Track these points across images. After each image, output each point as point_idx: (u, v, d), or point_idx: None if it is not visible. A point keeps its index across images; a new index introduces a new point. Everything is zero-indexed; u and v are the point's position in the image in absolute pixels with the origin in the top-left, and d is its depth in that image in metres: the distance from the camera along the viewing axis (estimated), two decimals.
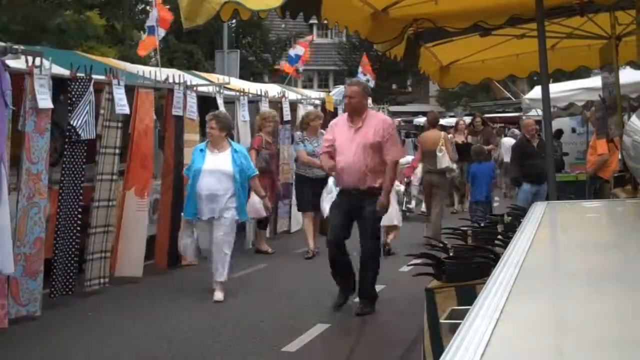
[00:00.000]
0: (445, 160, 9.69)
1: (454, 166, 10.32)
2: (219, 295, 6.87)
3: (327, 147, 6.54)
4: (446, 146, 9.77)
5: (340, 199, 6.58)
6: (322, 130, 9.29)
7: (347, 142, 6.34)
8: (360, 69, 15.15)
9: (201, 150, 6.99)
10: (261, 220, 9.40)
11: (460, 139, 13.72)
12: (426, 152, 9.96)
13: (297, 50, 14.59)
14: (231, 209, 6.85)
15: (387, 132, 6.35)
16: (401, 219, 9.59)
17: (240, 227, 8.42)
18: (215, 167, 6.80)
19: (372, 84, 15.00)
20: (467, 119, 16.86)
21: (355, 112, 6.41)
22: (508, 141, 15.57)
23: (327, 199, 8.31)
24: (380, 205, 6.32)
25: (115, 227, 7.48)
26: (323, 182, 8.76)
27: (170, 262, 8.26)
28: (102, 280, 7.18)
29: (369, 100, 7.67)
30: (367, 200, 6.30)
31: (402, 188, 10.82)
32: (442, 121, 22.42)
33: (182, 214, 7.21)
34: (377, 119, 6.51)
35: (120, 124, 7.29)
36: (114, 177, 7.28)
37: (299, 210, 9.88)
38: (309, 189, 9.24)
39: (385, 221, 9.34)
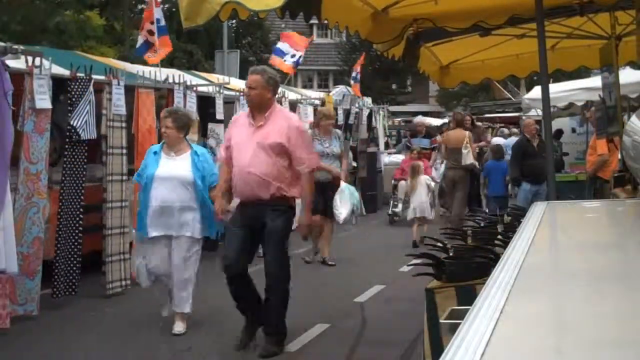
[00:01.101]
0: (469, 157, 10.37)
1: (476, 163, 11.04)
2: (179, 326, 5.79)
3: (225, 148, 5.46)
4: (470, 145, 10.50)
5: (238, 215, 5.37)
6: (337, 131, 9.29)
7: (245, 143, 5.23)
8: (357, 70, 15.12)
9: (155, 152, 5.89)
10: None
11: None
12: (451, 150, 10.60)
13: (282, 46, 14.16)
14: (192, 224, 5.72)
15: (294, 135, 5.22)
16: (432, 212, 10.54)
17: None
18: (169, 173, 5.68)
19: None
20: None
21: (256, 107, 5.27)
22: (496, 141, 15.64)
23: (342, 204, 8.19)
24: (301, 229, 5.43)
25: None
26: (332, 185, 8.46)
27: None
28: (123, 283, 7.18)
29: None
30: (270, 214, 5.19)
31: (432, 183, 10.94)
32: (433, 121, 22.48)
33: (134, 230, 6.35)
34: (284, 119, 5.32)
35: (124, 124, 7.29)
36: (124, 177, 7.28)
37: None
38: (316, 193, 8.98)
39: (417, 213, 10.34)
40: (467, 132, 10.78)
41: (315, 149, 8.47)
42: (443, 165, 11.26)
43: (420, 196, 10.46)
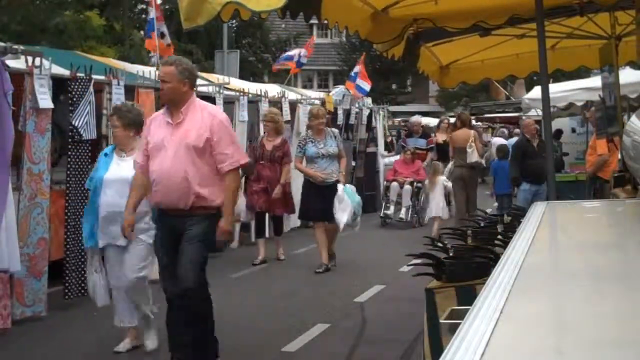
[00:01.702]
0: (474, 155, 10.71)
1: (482, 161, 11.57)
2: (125, 344, 5.32)
3: (141, 154, 4.80)
4: (476, 143, 10.85)
5: (160, 229, 4.80)
6: (333, 129, 8.90)
7: (163, 143, 4.63)
8: (357, 68, 15.10)
9: (106, 154, 5.38)
10: (277, 226, 9.15)
11: (442, 138, 13.17)
12: (457, 149, 10.98)
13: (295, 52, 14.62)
14: (144, 230, 5.10)
15: (217, 129, 4.62)
16: (447, 212, 10.81)
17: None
18: (118, 175, 5.12)
19: (367, 87, 14.60)
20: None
21: (172, 103, 4.71)
22: (497, 141, 15.68)
23: (341, 208, 8.00)
24: (221, 232, 4.70)
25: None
26: (332, 188, 8.17)
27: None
28: None
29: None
30: (190, 221, 4.62)
31: (449, 184, 10.98)
32: (433, 121, 22.39)
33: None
34: (205, 112, 4.71)
35: None
36: None
37: (301, 218, 9.30)
38: (316, 197, 8.29)
39: (433, 212, 10.73)
40: (472, 132, 11.14)
41: (308, 152, 8.32)
42: (450, 164, 11.51)
43: (438, 196, 10.92)
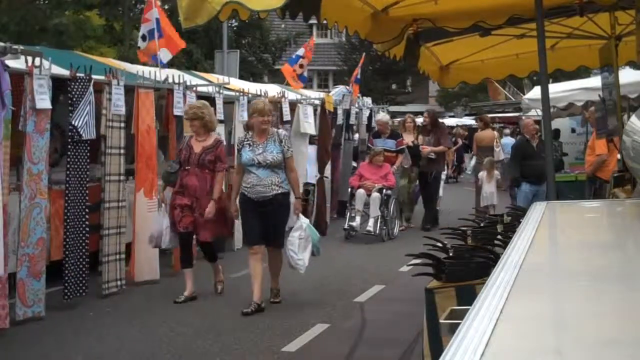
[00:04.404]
0: (501, 154, 12.46)
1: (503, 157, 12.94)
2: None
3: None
4: (497, 142, 12.72)
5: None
6: (280, 131, 6.89)
7: None
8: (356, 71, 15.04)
9: None
10: (206, 253, 7.17)
11: (409, 139, 11.79)
12: (484, 148, 12.43)
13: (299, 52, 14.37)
14: None
15: None
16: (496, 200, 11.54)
17: None
18: None
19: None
20: (456, 120, 17.11)
21: None
22: (507, 140, 15.84)
23: (301, 247, 6.52)
24: None
25: (131, 230, 7.53)
26: (275, 203, 6.47)
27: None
28: (119, 283, 7.18)
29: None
30: None
31: (500, 177, 12.10)
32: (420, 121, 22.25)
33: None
34: None
35: (122, 124, 7.29)
36: (122, 177, 7.29)
37: (244, 243, 7.50)
38: (253, 214, 6.54)
39: (487, 201, 11.50)
40: (495, 132, 13.05)
41: (242, 158, 6.55)
42: (474, 160, 13.02)
43: (493, 187, 11.74)
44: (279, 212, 6.54)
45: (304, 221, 6.64)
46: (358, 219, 10.56)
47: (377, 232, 10.47)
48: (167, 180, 7.11)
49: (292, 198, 6.69)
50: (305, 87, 13.47)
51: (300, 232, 6.53)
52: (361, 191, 10.58)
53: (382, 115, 12.66)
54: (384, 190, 10.60)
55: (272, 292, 6.86)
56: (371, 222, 10.47)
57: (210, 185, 6.86)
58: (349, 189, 11.03)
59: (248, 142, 6.59)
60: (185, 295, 6.92)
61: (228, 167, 7.35)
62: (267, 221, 6.50)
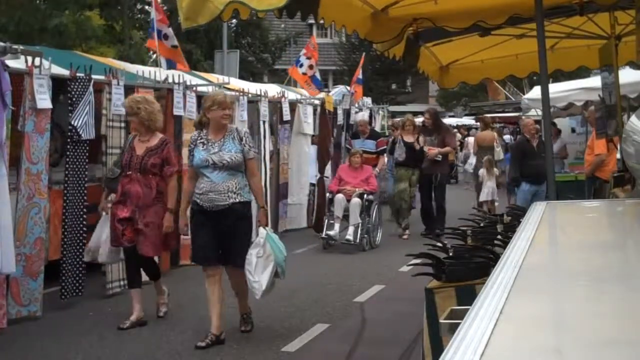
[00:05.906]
0: (501, 153, 13.39)
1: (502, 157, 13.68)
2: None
3: None
4: (497, 142, 13.30)
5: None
6: (240, 129, 5.88)
7: None
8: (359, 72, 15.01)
9: None
10: (147, 270, 6.26)
11: (408, 140, 10.84)
12: (484, 148, 13.00)
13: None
14: None
15: None
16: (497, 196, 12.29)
17: None
18: None
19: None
20: (456, 120, 17.35)
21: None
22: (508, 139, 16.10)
23: (258, 268, 5.35)
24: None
25: None
26: (229, 216, 5.35)
27: (171, 261, 8.30)
28: (122, 283, 7.17)
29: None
30: None
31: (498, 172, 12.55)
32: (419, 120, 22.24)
33: None
34: None
35: (123, 124, 7.29)
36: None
37: (193, 261, 6.13)
38: (206, 228, 5.44)
39: (489, 196, 12.06)
40: (494, 133, 13.52)
41: (194, 158, 5.45)
42: (474, 159, 13.47)
43: (492, 184, 12.25)
44: (238, 225, 5.42)
45: (264, 236, 5.42)
46: (337, 226, 9.63)
47: (357, 241, 9.60)
48: (109, 187, 6.29)
49: (254, 209, 5.79)
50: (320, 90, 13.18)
51: (258, 250, 5.38)
52: (340, 196, 9.69)
53: (362, 115, 11.99)
54: (365, 195, 9.74)
55: (242, 319, 5.83)
56: (351, 230, 9.59)
57: (156, 192, 5.88)
58: (327, 194, 10.10)
59: (202, 140, 5.47)
60: (131, 320, 5.94)
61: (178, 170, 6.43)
62: (223, 237, 5.41)
